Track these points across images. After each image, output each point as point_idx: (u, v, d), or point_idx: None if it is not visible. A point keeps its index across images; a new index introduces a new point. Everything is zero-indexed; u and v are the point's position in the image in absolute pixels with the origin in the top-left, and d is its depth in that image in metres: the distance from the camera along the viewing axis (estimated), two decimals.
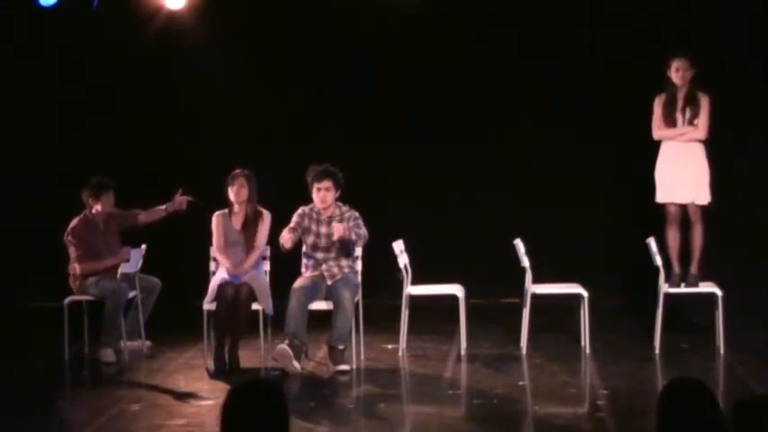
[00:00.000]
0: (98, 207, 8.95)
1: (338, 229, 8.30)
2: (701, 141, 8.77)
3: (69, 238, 8.91)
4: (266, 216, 8.69)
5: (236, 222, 8.70)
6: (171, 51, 10.82)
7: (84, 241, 8.88)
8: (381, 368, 8.44)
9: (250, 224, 8.66)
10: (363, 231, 8.45)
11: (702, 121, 8.73)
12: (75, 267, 8.87)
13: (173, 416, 7.13)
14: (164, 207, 9.10)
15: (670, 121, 8.82)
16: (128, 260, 8.92)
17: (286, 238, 8.31)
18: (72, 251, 8.89)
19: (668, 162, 8.82)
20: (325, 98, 10.80)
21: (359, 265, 8.61)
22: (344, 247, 8.49)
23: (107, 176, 9.09)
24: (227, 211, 8.73)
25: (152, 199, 9.23)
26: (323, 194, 8.48)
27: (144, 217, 9.11)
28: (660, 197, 8.87)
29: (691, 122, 8.76)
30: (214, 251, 8.68)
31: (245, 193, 8.65)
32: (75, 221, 8.97)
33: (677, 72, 8.79)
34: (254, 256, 8.62)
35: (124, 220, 9.12)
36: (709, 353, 8.54)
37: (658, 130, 8.85)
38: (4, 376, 8.42)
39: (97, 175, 9.07)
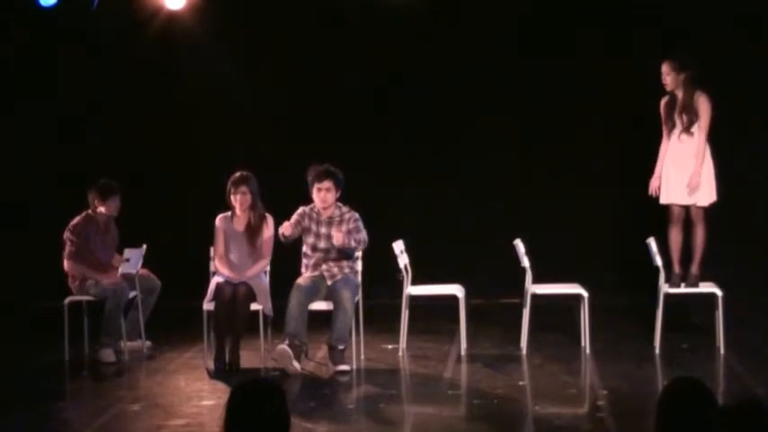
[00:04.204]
0: (102, 209, 8.95)
1: (337, 238, 8.29)
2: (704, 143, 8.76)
3: (68, 234, 8.91)
4: (270, 221, 8.68)
5: (239, 225, 8.69)
6: (171, 51, 10.81)
7: (82, 237, 8.87)
8: (381, 368, 8.44)
9: (254, 228, 8.65)
10: (363, 236, 8.44)
11: (701, 126, 8.69)
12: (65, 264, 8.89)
13: (173, 416, 7.13)
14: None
15: (669, 123, 8.83)
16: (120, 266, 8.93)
17: (286, 226, 8.27)
18: (67, 247, 8.89)
19: (672, 163, 8.81)
20: (326, 98, 10.79)
21: (359, 266, 8.60)
22: (344, 251, 8.48)
23: (105, 175, 9.07)
24: (229, 213, 8.72)
25: (150, 197, 9.20)
26: (323, 195, 8.46)
27: None
28: (664, 198, 8.87)
29: (687, 129, 8.73)
30: (214, 261, 8.63)
31: (247, 200, 8.62)
32: (76, 219, 8.97)
33: (662, 77, 8.78)
34: (260, 266, 8.61)
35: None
36: (709, 353, 8.54)
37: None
38: (4, 376, 8.42)
39: (99, 175, 9.07)
